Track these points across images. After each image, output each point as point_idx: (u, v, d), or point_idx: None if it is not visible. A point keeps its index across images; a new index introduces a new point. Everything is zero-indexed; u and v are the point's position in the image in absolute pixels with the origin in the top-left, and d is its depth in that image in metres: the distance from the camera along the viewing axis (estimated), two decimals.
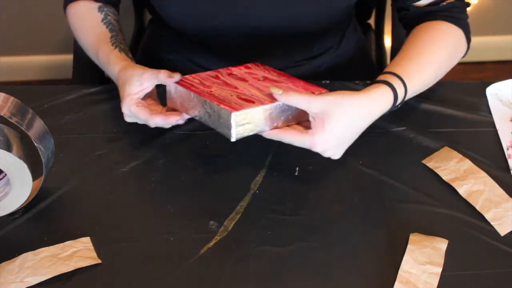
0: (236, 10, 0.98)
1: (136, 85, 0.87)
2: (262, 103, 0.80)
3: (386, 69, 0.86)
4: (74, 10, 1.04)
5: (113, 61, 0.94)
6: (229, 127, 0.78)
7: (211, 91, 0.83)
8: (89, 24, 1.02)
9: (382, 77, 0.84)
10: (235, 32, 1.01)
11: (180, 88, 0.84)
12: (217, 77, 0.88)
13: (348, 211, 0.84)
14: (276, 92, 0.79)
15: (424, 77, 0.89)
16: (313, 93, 0.84)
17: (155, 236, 0.82)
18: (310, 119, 0.79)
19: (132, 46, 1.34)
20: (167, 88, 0.87)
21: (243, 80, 0.88)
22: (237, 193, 0.86)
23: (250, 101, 0.80)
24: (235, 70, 0.91)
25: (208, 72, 0.90)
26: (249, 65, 0.93)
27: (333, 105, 0.77)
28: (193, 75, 0.88)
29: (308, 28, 1.04)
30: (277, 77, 0.89)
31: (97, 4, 1.02)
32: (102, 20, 1.01)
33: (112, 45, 0.97)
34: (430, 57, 0.89)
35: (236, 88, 0.85)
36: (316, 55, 1.12)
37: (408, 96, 0.86)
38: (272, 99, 0.81)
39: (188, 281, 0.77)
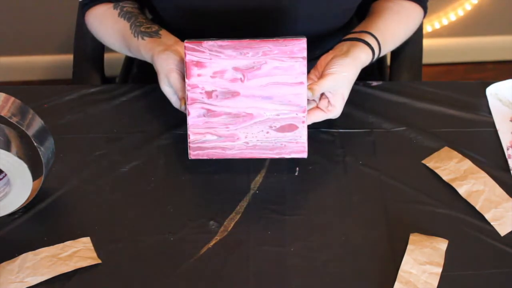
0: (242, 19, 0.98)
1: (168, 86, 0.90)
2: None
3: (368, 29, 0.97)
4: (92, 16, 1.04)
5: (144, 54, 0.96)
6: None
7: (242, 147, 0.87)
8: (109, 25, 1.02)
9: (365, 37, 0.95)
10: (238, 38, 1.01)
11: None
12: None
13: (348, 211, 0.84)
14: (309, 95, 0.86)
15: (391, 44, 1.02)
16: (292, 49, 0.84)
17: (155, 236, 0.82)
18: (328, 94, 0.89)
19: None
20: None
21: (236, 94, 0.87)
22: (237, 193, 0.86)
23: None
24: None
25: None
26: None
27: (346, 80, 0.89)
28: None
29: (313, 32, 1.04)
30: (252, 57, 0.86)
31: (112, 4, 1.02)
32: (119, 14, 1.01)
33: (135, 35, 0.97)
34: (396, 28, 1.03)
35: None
36: (318, 56, 1.12)
37: (378, 56, 0.98)
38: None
39: (188, 281, 0.77)
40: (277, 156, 0.87)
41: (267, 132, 0.86)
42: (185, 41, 0.85)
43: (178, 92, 0.88)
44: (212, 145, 0.87)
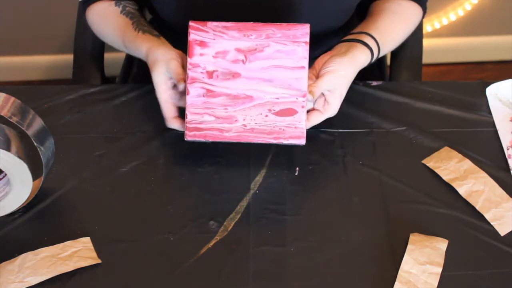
0: (242, 17, 0.98)
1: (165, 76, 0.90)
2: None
3: (367, 30, 0.97)
4: (92, 12, 1.05)
5: (139, 45, 0.95)
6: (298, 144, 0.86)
7: (242, 129, 0.86)
8: (110, 20, 1.02)
9: (364, 38, 0.95)
10: None
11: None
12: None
13: (348, 211, 0.84)
14: (310, 99, 0.87)
15: (390, 45, 1.02)
16: (295, 32, 0.86)
17: (155, 236, 0.82)
18: (326, 92, 0.89)
19: None
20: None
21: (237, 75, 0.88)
22: (237, 193, 0.86)
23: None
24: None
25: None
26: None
27: (343, 78, 0.90)
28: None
29: (313, 32, 1.04)
30: (255, 40, 0.88)
31: (113, 1, 1.02)
32: (121, 12, 1.01)
33: (135, 30, 0.97)
34: (395, 28, 1.03)
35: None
36: (317, 56, 1.13)
37: (377, 57, 0.99)
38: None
39: (188, 281, 0.77)
40: (275, 141, 0.86)
41: (266, 116, 0.86)
42: (190, 21, 0.87)
43: (177, 76, 0.87)
44: (210, 126, 0.86)
